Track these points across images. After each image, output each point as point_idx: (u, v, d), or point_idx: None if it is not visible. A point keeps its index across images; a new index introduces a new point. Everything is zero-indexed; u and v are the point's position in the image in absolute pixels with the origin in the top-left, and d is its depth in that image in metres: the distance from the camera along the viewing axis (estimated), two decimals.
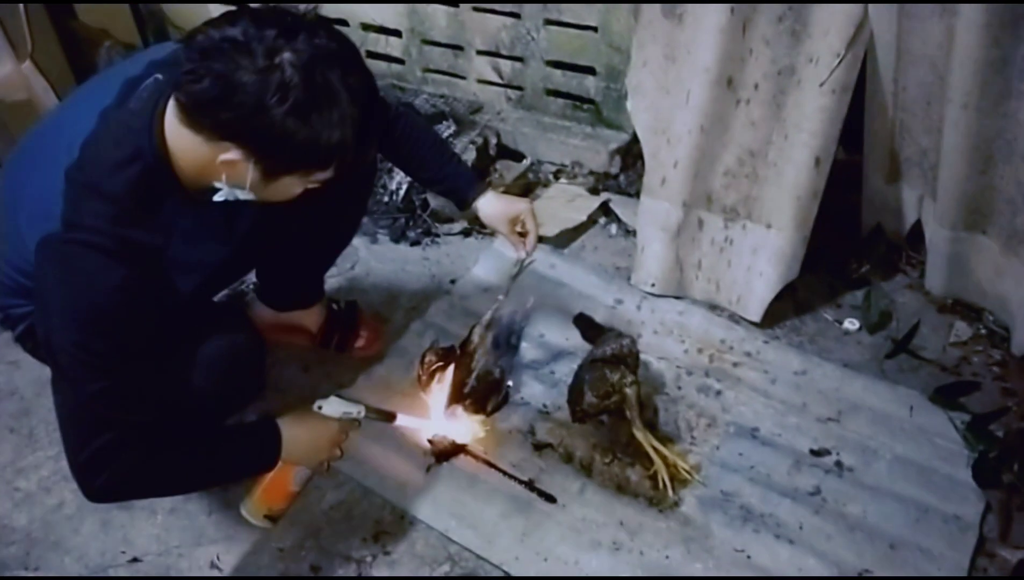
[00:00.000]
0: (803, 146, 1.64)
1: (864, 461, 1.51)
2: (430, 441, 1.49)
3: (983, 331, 1.78)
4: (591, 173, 2.23)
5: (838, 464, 1.51)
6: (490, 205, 1.48)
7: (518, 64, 2.28)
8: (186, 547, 1.39)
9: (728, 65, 1.64)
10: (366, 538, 1.40)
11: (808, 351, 1.75)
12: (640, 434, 1.47)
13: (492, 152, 2.26)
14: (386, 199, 2.08)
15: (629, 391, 1.44)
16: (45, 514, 1.44)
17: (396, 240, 2.06)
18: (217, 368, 1.25)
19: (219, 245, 1.27)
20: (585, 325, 1.75)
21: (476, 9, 2.23)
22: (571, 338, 1.75)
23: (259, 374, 1.40)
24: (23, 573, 1.36)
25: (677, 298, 1.88)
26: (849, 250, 1.96)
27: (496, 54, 2.30)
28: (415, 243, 2.06)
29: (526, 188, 2.22)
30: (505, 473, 1.48)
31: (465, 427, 1.51)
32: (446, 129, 2.19)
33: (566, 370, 1.66)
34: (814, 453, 1.53)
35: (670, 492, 1.44)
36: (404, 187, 2.07)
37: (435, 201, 2.08)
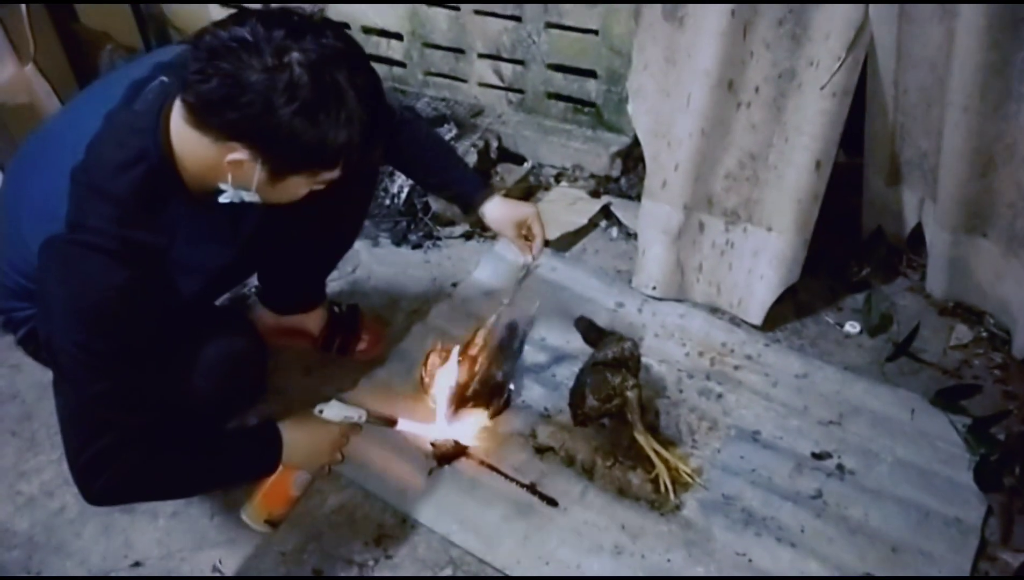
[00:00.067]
0: (804, 149, 1.64)
1: (865, 464, 1.51)
2: (432, 444, 1.49)
3: (984, 334, 1.78)
4: (592, 176, 2.23)
5: (839, 467, 1.51)
6: (497, 209, 1.48)
7: (519, 67, 2.29)
8: (188, 551, 1.39)
9: (729, 68, 1.65)
10: (368, 542, 1.40)
11: (809, 354, 1.75)
12: (641, 437, 1.47)
13: (493, 155, 2.26)
14: (388, 202, 2.08)
15: (630, 394, 1.44)
16: (47, 518, 1.44)
17: (398, 243, 2.07)
18: (218, 371, 1.25)
19: (222, 247, 1.28)
20: (586, 328, 1.75)
21: (477, 12, 2.24)
22: (572, 341, 1.75)
23: (260, 377, 1.40)
24: (25, 575, 1.36)
25: (678, 301, 1.88)
26: (850, 253, 1.96)
27: (497, 57, 2.30)
28: (416, 246, 2.06)
29: (527, 191, 2.22)
30: (507, 476, 1.48)
31: (467, 430, 1.51)
32: (447, 132, 2.19)
33: (567, 373, 1.66)
34: (815, 456, 1.53)
35: (671, 495, 1.44)
36: (405, 190, 2.07)
37: (436, 204, 2.08)
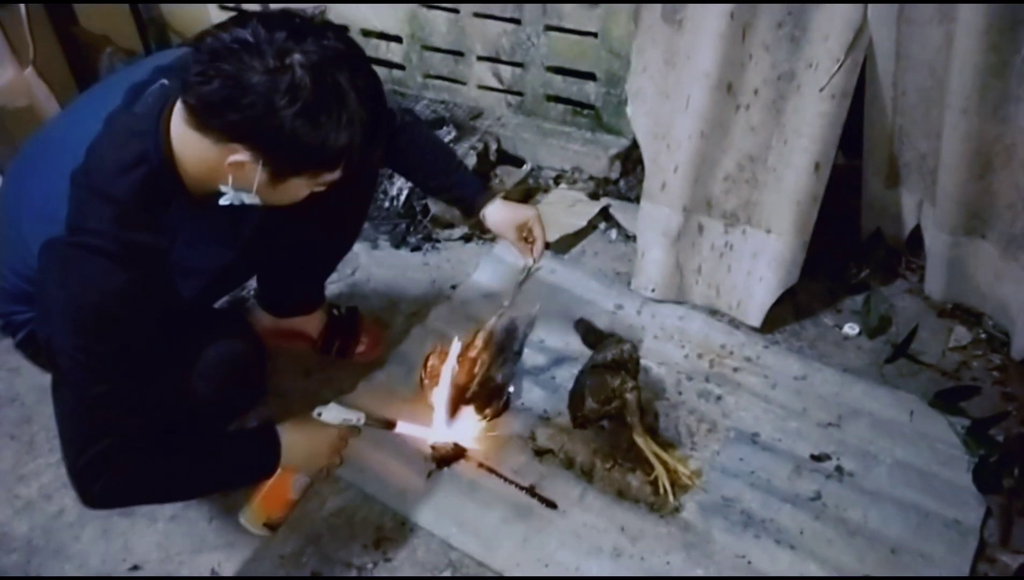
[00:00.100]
0: (803, 151, 1.65)
1: (864, 466, 1.51)
2: (432, 447, 1.49)
3: (983, 336, 1.78)
4: (591, 178, 2.24)
5: (838, 469, 1.51)
6: (498, 212, 1.48)
7: (518, 70, 2.29)
8: (187, 554, 1.39)
9: (728, 70, 1.65)
10: (367, 545, 1.40)
11: (808, 356, 1.75)
12: (641, 439, 1.47)
13: (492, 158, 2.26)
14: (387, 205, 2.08)
15: (630, 396, 1.44)
16: (46, 521, 1.44)
17: (397, 246, 2.07)
18: (217, 374, 1.25)
19: (222, 250, 1.28)
20: (585, 330, 1.75)
21: (476, 15, 2.24)
22: (571, 343, 1.75)
23: (260, 380, 1.40)
24: (23, 576, 1.36)
25: (677, 303, 1.88)
26: (849, 255, 1.96)
27: (496, 60, 2.30)
28: (416, 249, 2.06)
29: (526, 193, 2.23)
30: (506, 479, 1.48)
31: (466, 432, 1.51)
32: (446, 134, 2.19)
33: (567, 375, 1.66)
34: (814, 458, 1.53)
35: (671, 498, 1.44)
36: (405, 193, 2.07)
37: (435, 207, 2.08)
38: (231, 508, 1.40)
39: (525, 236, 1.50)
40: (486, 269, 1.98)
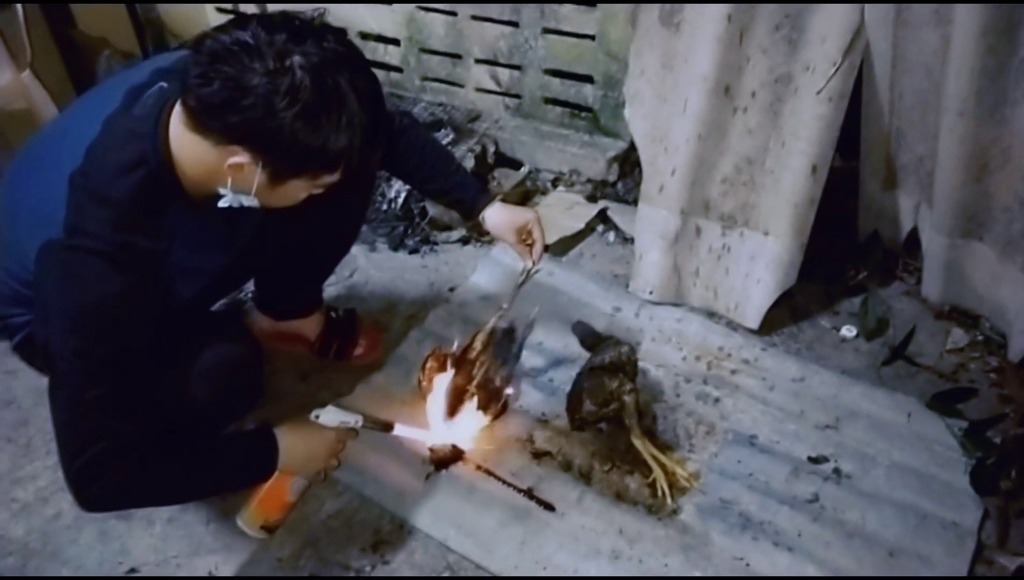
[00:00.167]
0: (800, 154, 1.65)
1: (862, 468, 1.51)
2: (430, 449, 1.49)
3: (980, 338, 1.78)
4: (589, 181, 2.24)
5: (836, 471, 1.51)
6: (497, 215, 1.49)
7: (516, 72, 2.29)
8: (184, 557, 1.38)
9: (725, 73, 1.65)
10: (365, 547, 1.40)
11: (806, 358, 1.75)
12: (639, 442, 1.47)
13: (490, 160, 2.27)
14: (385, 207, 2.08)
15: (628, 399, 1.44)
16: (42, 524, 1.43)
17: (395, 248, 2.07)
18: (215, 377, 1.25)
19: (220, 252, 1.28)
20: (583, 332, 1.75)
21: (474, 18, 2.24)
22: (569, 345, 1.75)
23: (257, 383, 1.40)
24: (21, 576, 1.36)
25: (675, 305, 1.88)
26: (846, 257, 1.97)
27: (494, 62, 2.30)
28: (414, 251, 2.06)
29: (524, 196, 2.23)
30: (504, 481, 1.48)
31: (464, 434, 1.51)
32: (444, 137, 2.20)
33: (565, 378, 1.66)
34: (812, 460, 1.53)
35: (669, 500, 1.44)
36: (403, 195, 2.07)
37: (433, 209, 2.08)
38: (228, 511, 1.40)
39: (524, 238, 1.50)
40: (484, 271, 1.98)
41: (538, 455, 1.53)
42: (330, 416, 1.23)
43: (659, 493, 1.45)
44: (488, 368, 1.53)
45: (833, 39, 1.57)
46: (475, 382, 1.52)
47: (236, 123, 0.96)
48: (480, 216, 1.49)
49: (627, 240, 2.06)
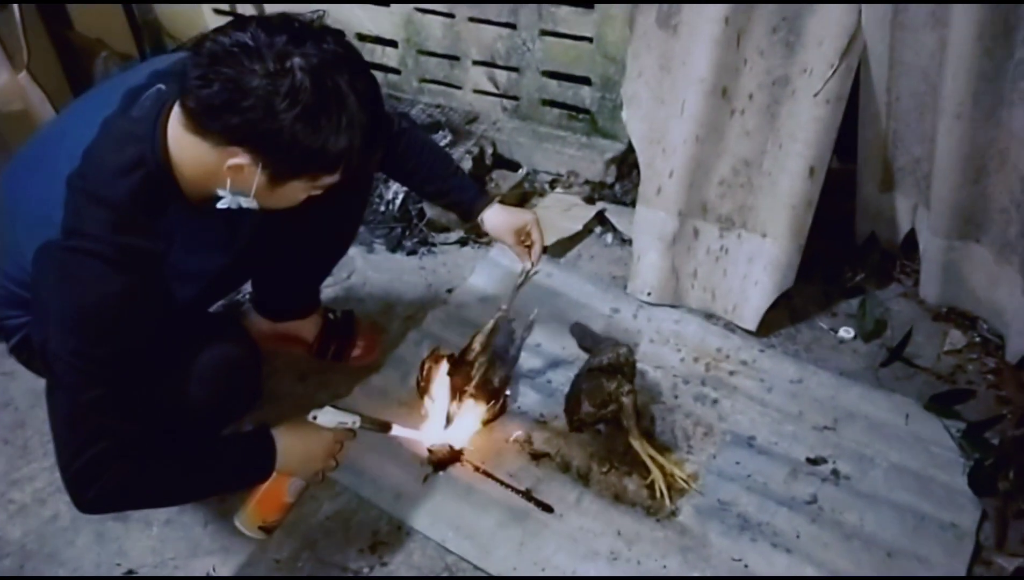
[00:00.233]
0: (797, 156, 1.65)
1: (860, 469, 1.51)
2: (429, 450, 1.49)
3: (977, 339, 1.79)
4: (587, 182, 2.24)
5: (834, 472, 1.51)
6: (496, 217, 1.49)
7: (514, 74, 2.29)
8: (182, 559, 1.38)
9: (723, 75, 1.65)
10: (363, 549, 1.39)
11: (804, 359, 1.76)
12: (637, 443, 1.47)
13: (488, 162, 2.27)
14: (382, 209, 2.08)
15: (626, 400, 1.44)
16: (39, 526, 1.43)
17: (392, 249, 2.07)
18: (213, 378, 1.24)
19: (219, 254, 1.28)
20: (582, 334, 1.75)
21: (472, 20, 2.24)
22: (568, 347, 1.75)
23: (255, 384, 1.40)
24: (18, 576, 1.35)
25: (673, 307, 1.88)
26: (844, 259, 1.97)
27: (492, 64, 2.31)
28: (411, 253, 2.06)
29: (522, 198, 2.23)
30: (502, 483, 1.48)
31: (462, 434, 1.51)
32: (442, 139, 2.20)
33: (563, 379, 1.66)
34: (811, 461, 1.53)
35: (667, 501, 1.44)
36: (400, 197, 2.07)
37: (431, 211, 2.08)
38: (226, 512, 1.39)
39: (523, 240, 1.50)
40: (482, 273, 1.98)
41: (536, 456, 1.53)
42: (328, 417, 1.22)
43: (657, 494, 1.45)
44: (486, 369, 1.53)
45: (830, 41, 1.57)
46: (473, 383, 1.52)
47: (236, 124, 0.96)
48: (478, 217, 1.49)
49: (625, 242, 2.06)
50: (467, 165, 2.17)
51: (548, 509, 1.44)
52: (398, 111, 2.29)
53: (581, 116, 2.28)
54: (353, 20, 2.38)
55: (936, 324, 1.84)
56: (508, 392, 1.62)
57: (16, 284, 1.14)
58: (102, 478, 1.04)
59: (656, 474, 1.46)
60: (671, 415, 1.62)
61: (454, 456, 1.50)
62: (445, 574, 1.36)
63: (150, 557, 1.38)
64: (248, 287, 1.75)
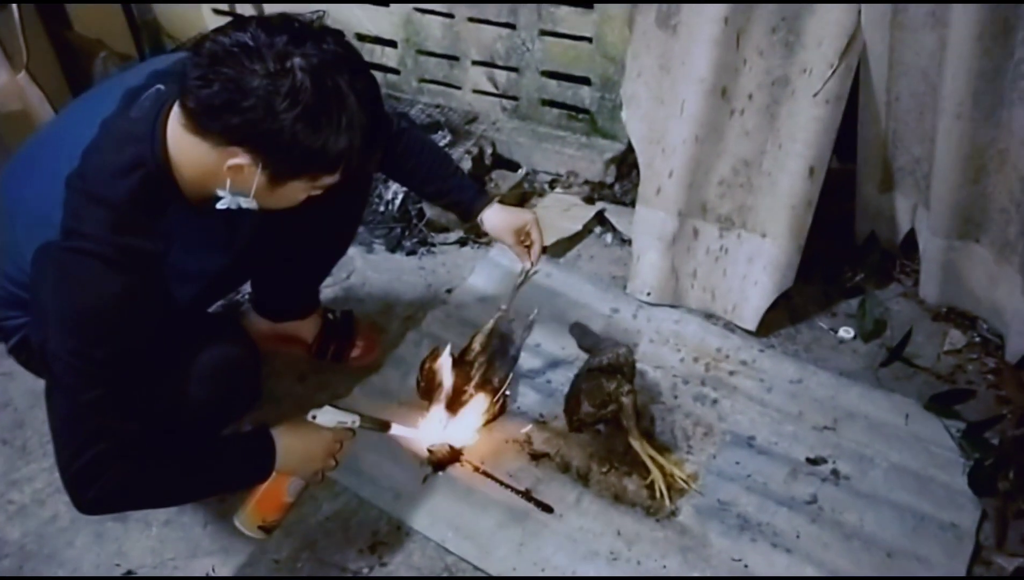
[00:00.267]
0: (797, 156, 1.65)
1: (860, 469, 1.51)
2: (429, 450, 1.49)
3: (977, 339, 1.79)
4: (586, 182, 2.24)
5: (834, 472, 1.51)
6: (496, 216, 1.49)
7: (513, 74, 2.29)
8: (181, 559, 1.38)
9: (722, 75, 1.65)
10: (362, 549, 1.39)
11: (804, 359, 1.76)
12: (637, 443, 1.47)
13: (488, 162, 2.27)
14: (382, 209, 2.08)
15: (626, 400, 1.44)
16: (39, 527, 1.43)
17: (392, 250, 2.06)
18: (212, 379, 1.24)
19: (218, 254, 1.28)
20: (581, 334, 1.75)
21: (471, 20, 2.24)
22: (567, 347, 1.75)
23: (255, 385, 1.40)
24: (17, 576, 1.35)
25: (673, 307, 1.88)
26: (843, 259, 1.97)
27: (491, 64, 2.31)
28: (411, 253, 2.06)
29: (522, 198, 2.23)
30: (502, 483, 1.47)
31: (461, 434, 1.50)
32: (441, 139, 2.20)
33: (562, 379, 1.66)
34: (810, 461, 1.53)
35: (667, 501, 1.44)
36: (400, 197, 2.07)
37: (431, 211, 2.08)
38: (226, 513, 1.39)
39: (522, 239, 1.50)
40: (481, 273, 1.98)
41: (536, 457, 1.53)
42: (327, 416, 1.22)
43: (657, 494, 1.45)
44: (486, 369, 1.53)
45: (830, 41, 1.57)
46: (473, 383, 1.52)
47: (236, 125, 0.96)
48: (478, 217, 1.49)
49: (625, 242, 2.06)
50: (466, 165, 2.17)
51: (548, 509, 1.44)
52: (397, 111, 2.30)
53: (581, 116, 2.28)
54: (352, 20, 2.38)
55: (936, 324, 1.84)
56: (508, 392, 1.61)
57: (15, 284, 1.14)
58: (102, 478, 1.04)
59: (656, 474, 1.46)
60: (671, 415, 1.62)
61: (454, 456, 1.50)
62: (445, 574, 1.36)
63: (149, 558, 1.38)
64: (247, 287, 1.75)
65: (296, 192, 1.07)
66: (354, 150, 1.01)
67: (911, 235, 1.90)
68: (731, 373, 1.72)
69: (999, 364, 1.72)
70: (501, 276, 1.93)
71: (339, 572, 1.36)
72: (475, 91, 2.37)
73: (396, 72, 2.45)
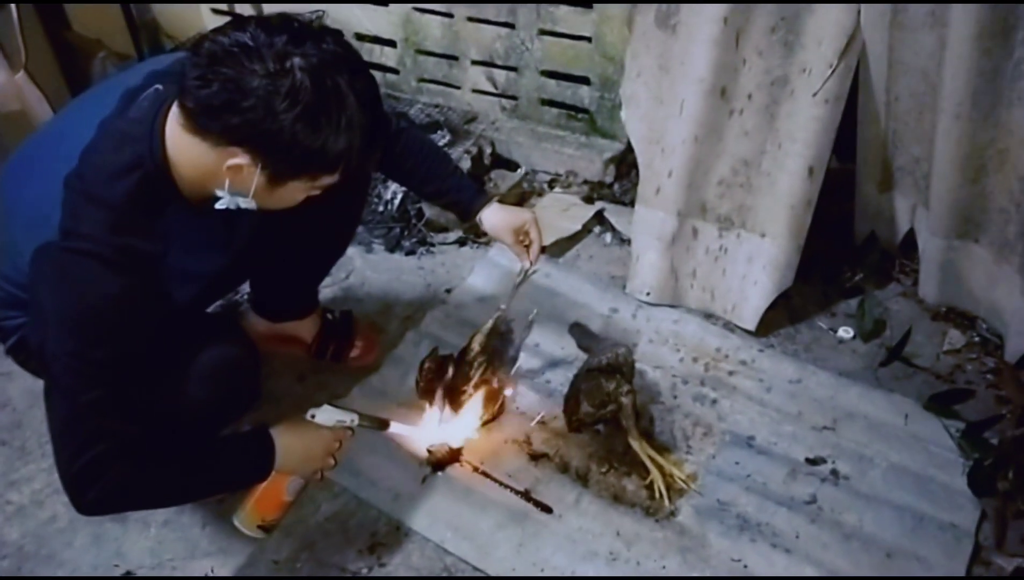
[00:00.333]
0: (796, 156, 1.65)
1: (860, 469, 1.51)
2: (428, 450, 1.49)
3: (976, 339, 1.79)
4: (585, 182, 2.24)
5: (834, 472, 1.51)
6: (495, 216, 1.48)
7: (512, 74, 2.29)
8: (180, 560, 1.38)
9: (721, 75, 1.65)
10: (361, 550, 1.39)
11: (803, 359, 1.76)
12: (636, 443, 1.47)
13: (487, 162, 2.26)
14: (381, 209, 2.08)
15: (625, 400, 1.44)
16: (37, 528, 1.43)
17: (391, 250, 2.06)
18: (212, 379, 1.24)
19: (217, 254, 1.27)
20: (580, 334, 1.75)
21: (470, 19, 2.24)
22: (566, 347, 1.75)
23: (254, 385, 1.40)
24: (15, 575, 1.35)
25: (672, 307, 1.88)
26: (843, 258, 1.97)
27: (490, 64, 2.30)
28: (410, 253, 2.06)
29: (521, 198, 2.22)
30: (501, 483, 1.47)
31: (460, 433, 1.50)
32: (440, 139, 2.19)
33: (562, 379, 1.65)
34: (810, 462, 1.53)
35: (666, 502, 1.44)
36: (399, 197, 2.07)
37: (430, 211, 2.08)
38: (224, 514, 1.39)
39: (521, 239, 1.50)
40: (481, 273, 1.98)
41: (535, 457, 1.53)
42: (326, 415, 1.22)
43: (656, 495, 1.44)
44: (485, 369, 1.53)
45: (829, 41, 1.57)
46: (472, 383, 1.52)
47: (236, 125, 0.96)
48: (477, 217, 1.49)
49: (624, 241, 2.06)
50: (466, 165, 2.17)
51: (547, 510, 1.44)
52: (396, 111, 2.30)
53: (580, 116, 2.28)
54: (352, 20, 2.38)
55: (935, 324, 1.84)
56: (507, 392, 1.61)
57: (13, 285, 1.14)
58: (102, 479, 1.04)
59: (655, 474, 1.45)
60: (670, 415, 1.62)
61: (453, 456, 1.50)
62: (444, 575, 1.36)
63: (148, 558, 1.38)
64: (246, 288, 1.74)
65: (295, 192, 1.07)
66: (353, 150, 1.01)
67: (910, 235, 1.90)
68: (730, 373, 1.72)
69: (998, 364, 1.72)
70: (500, 276, 1.93)
71: (338, 573, 1.36)
72: (474, 91, 2.37)
73: (395, 72, 2.45)
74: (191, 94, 0.96)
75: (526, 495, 1.46)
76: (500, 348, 1.56)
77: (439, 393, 1.49)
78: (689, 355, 1.76)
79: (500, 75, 2.31)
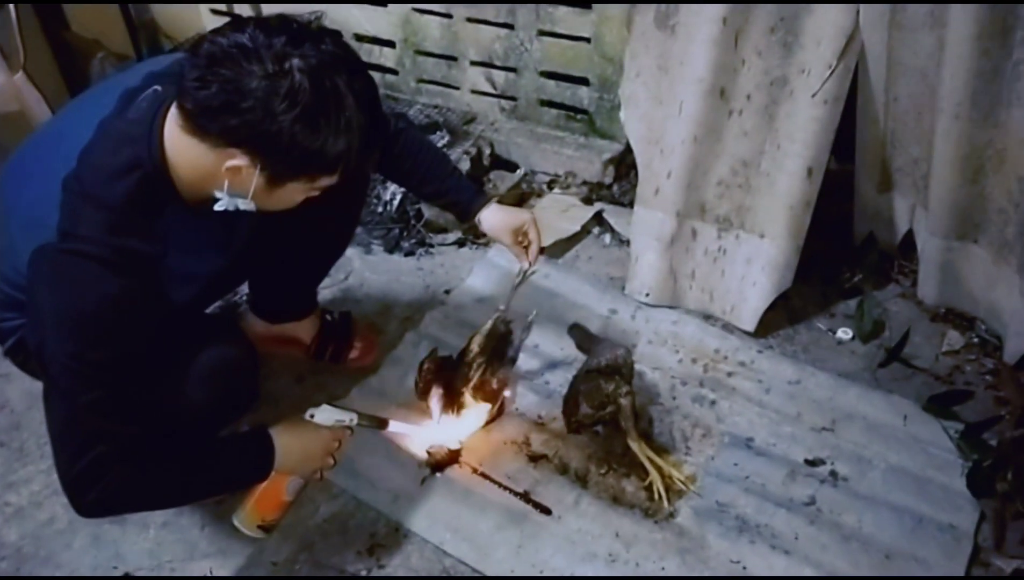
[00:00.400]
0: (795, 156, 1.65)
1: (859, 470, 1.51)
2: (428, 451, 1.48)
3: (975, 340, 1.79)
4: (585, 183, 2.24)
5: (833, 474, 1.51)
6: (493, 217, 1.48)
7: (511, 75, 2.29)
8: (179, 561, 1.38)
9: (721, 76, 1.65)
10: (360, 551, 1.39)
11: (802, 360, 1.75)
12: (635, 445, 1.47)
13: (486, 162, 2.26)
14: (380, 209, 2.08)
15: (624, 401, 1.44)
16: (36, 529, 1.42)
17: (390, 250, 2.06)
18: (210, 380, 1.24)
19: (216, 255, 1.27)
20: (579, 335, 1.75)
21: (470, 20, 2.24)
22: (565, 348, 1.75)
23: (253, 386, 1.40)
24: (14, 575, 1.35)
25: (671, 308, 1.88)
26: (842, 259, 1.97)
27: (490, 65, 2.30)
28: (409, 253, 2.06)
29: (520, 198, 2.22)
30: (500, 485, 1.47)
31: (459, 433, 1.50)
32: (440, 139, 2.19)
33: (561, 380, 1.65)
34: (809, 463, 1.53)
35: (666, 503, 1.44)
36: (398, 197, 2.07)
37: (429, 211, 2.08)
38: (223, 515, 1.39)
39: (520, 240, 1.50)
40: (480, 274, 1.98)
41: (534, 458, 1.53)
42: (325, 415, 1.22)
43: (656, 496, 1.44)
44: (484, 370, 1.53)
45: (828, 42, 1.57)
46: (471, 385, 1.51)
47: (235, 126, 0.96)
48: (476, 218, 1.49)
49: (623, 242, 2.06)
50: (465, 166, 2.17)
51: (546, 511, 1.44)
52: (395, 111, 2.29)
53: (579, 116, 2.28)
54: (351, 20, 2.38)
55: (934, 325, 1.84)
56: (507, 393, 1.61)
57: (11, 286, 1.14)
58: (101, 481, 1.04)
59: (654, 476, 1.45)
60: (669, 416, 1.62)
61: (452, 458, 1.50)
62: (443, 576, 1.36)
63: (147, 560, 1.38)
64: (245, 288, 1.74)
65: (294, 193, 1.07)
66: (352, 151, 1.01)
67: (909, 236, 1.90)
68: (729, 374, 1.72)
69: (997, 365, 1.72)
70: (499, 277, 1.93)
71: (337, 574, 1.36)
72: (473, 91, 2.37)
73: (394, 72, 2.44)
74: (190, 95, 0.96)
75: (525, 496, 1.46)
76: (499, 349, 1.56)
77: (438, 394, 1.49)
78: (688, 356, 1.76)
79: (499, 76, 2.31)
